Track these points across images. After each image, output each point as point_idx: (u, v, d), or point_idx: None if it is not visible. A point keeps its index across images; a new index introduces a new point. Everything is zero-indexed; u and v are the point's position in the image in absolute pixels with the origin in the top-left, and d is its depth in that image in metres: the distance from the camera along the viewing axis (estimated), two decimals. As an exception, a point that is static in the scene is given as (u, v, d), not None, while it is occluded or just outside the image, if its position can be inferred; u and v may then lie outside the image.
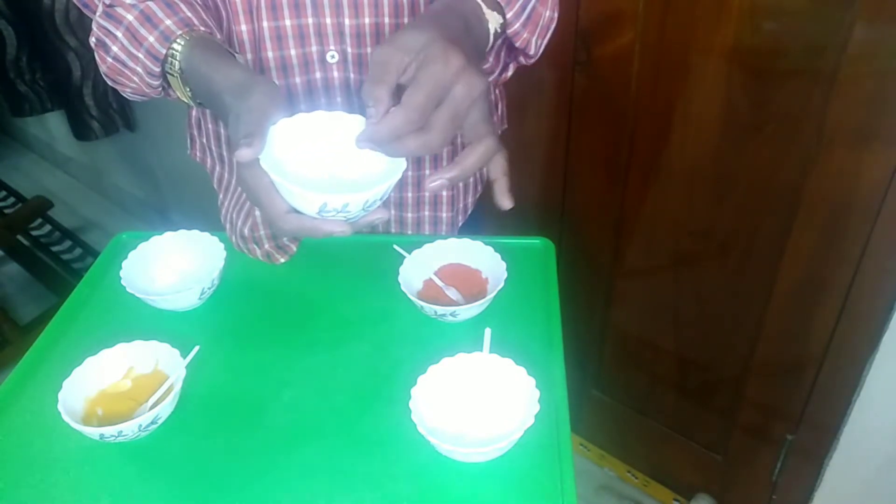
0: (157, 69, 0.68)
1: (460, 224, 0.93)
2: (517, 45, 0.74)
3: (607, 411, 1.65)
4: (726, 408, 1.42)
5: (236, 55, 0.67)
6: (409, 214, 0.88)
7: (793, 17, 0.99)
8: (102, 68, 0.73)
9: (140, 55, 0.68)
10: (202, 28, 0.68)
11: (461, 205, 0.92)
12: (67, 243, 2.59)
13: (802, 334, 1.21)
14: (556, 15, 0.77)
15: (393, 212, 0.88)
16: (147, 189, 2.46)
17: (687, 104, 1.15)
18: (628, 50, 1.17)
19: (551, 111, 1.33)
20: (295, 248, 0.88)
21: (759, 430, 1.39)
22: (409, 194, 0.87)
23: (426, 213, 0.88)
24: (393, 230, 0.90)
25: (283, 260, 0.87)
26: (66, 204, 2.70)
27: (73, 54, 2.02)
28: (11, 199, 2.81)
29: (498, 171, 0.60)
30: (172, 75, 0.68)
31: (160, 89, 0.72)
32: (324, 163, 0.61)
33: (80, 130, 2.17)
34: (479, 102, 0.57)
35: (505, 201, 0.61)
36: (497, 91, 0.91)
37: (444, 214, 0.89)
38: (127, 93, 0.74)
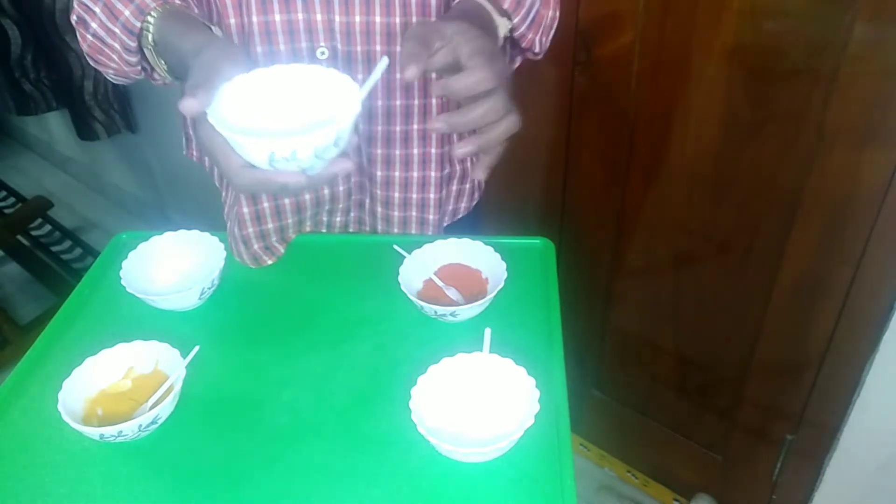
0: (134, 44, 0.67)
1: (445, 226, 0.93)
2: (523, 45, 0.76)
3: (607, 411, 1.65)
4: (726, 408, 1.42)
5: (212, 27, 0.66)
6: (396, 213, 0.88)
7: (793, 17, 0.99)
8: (83, 47, 0.73)
9: (117, 30, 0.68)
10: (177, 2, 0.67)
11: (449, 208, 0.92)
12: (67, 243, 2.59)
13: (802, 334, 1.21)
14: (557, 14, 0.79)
15: (380, 209, 0.88)
16: (147, 189, 2.46)
17: (687, 104, 1.15)
18: (628, 50, 1.17)
19: (551, 111, 1.33)
20: (282, 250, 0.87)
21: (759, 430, 1.39)
22: (397, 194, 0.86)
23: (413, 213, 0.88)
24: (379, 228, 0.90)
25: (270, 262, 0.87)
26: (66, 204, 2.70)
27: (74, 54, 2.02)
28: (11, 199, 2.81)
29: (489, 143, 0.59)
30: (148, 49, 0.68)
31: (139, 68, 0.71)
32: (283, 116, 0.61)
33: (84, 131, 2.17)
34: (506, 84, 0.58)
35: (478, 173, 0.60)
36: None
37: (431, 217, 0.89)
38: (110, 74, 0.74)
